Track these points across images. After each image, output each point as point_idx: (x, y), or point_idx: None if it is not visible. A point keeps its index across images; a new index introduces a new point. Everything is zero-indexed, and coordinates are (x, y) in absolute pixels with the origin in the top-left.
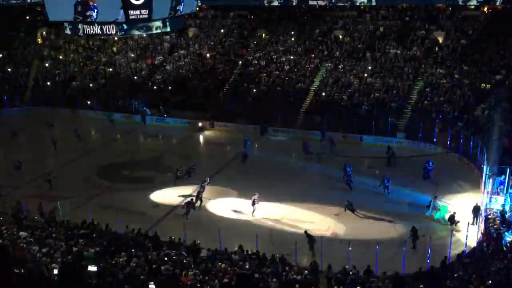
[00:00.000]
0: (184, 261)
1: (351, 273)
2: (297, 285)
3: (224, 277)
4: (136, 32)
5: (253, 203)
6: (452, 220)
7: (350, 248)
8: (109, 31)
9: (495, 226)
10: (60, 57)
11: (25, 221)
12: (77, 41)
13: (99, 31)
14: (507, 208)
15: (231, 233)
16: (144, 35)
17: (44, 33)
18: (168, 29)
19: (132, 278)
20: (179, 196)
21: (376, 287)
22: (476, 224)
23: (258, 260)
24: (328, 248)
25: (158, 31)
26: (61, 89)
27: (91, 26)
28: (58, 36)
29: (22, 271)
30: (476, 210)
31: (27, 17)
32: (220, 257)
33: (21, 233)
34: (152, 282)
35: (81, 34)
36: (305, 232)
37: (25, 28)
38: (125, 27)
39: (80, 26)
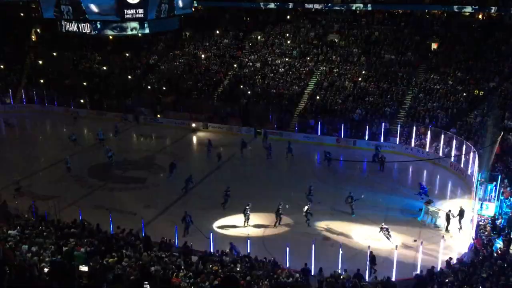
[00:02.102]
0: (176, 262)
1: (341, 277)
2: None
3: (215, 279)
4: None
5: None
6: (448, 217)
7: (341, 252)
8: (84, 30)
9: (486, 233)
10: (54, 54)
11: (16, 219)
12: (71, 39)
13: (76, 29)
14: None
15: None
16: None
17: (38, 30)
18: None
19: (123, 279)
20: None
21: None
22: (461, 228)
23: (250, 263)
24: (320, 251)
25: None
26: (54, 87)
27: (69, 24)
28: (53, 33)
29: (10, 270)
30: (461, 213)
31: (22, 14)
32: (211, 258)
33: (10, 231)
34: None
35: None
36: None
37: (19, 25)
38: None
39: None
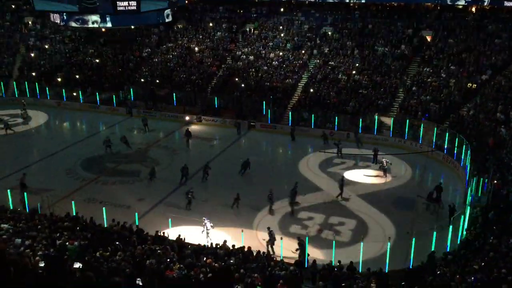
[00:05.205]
0: (170, 255)
1: (335, 269)
2: (281, 281)
3: (209, 272)
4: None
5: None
6: (452, 211)
7: (334, 244)
8: (55, 20)
9: (478, 225)
10: (46, 46)
11: (9, 213)
12: (63, 32)
13: (52, 19)
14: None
15: None
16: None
17: (30, 22)
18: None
19: (117, 272)
20: None
21: (360, 284)
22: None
23: (243, 255)
24: (313, 243)
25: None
26: (46, 80)
27: (51, 14)
28: (44, 26)
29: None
30: (439, 189)
31: (13, 6)
32: (205, 251)
33: (2, 225)
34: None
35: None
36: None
37: (11, 16)
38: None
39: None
